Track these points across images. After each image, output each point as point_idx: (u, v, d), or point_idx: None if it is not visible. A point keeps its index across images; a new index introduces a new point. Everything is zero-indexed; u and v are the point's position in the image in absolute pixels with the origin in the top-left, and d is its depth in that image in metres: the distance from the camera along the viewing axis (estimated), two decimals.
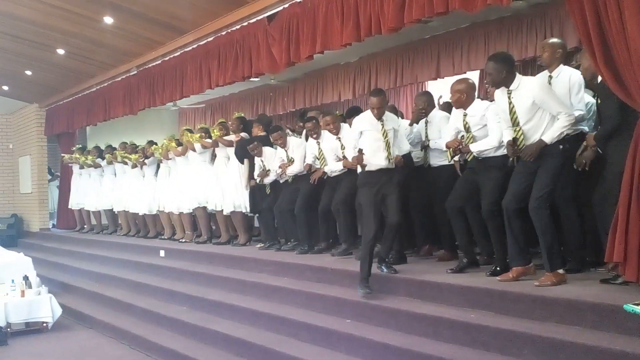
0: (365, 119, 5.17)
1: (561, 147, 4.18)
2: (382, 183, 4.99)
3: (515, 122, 4.32)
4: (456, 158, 5.31)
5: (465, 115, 4.92)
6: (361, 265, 4.80)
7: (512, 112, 4.33)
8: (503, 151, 4.68)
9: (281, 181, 7.02)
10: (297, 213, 6.55)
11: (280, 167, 6.85)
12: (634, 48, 3.54)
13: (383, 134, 5.05)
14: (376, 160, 5.00)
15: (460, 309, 4.20)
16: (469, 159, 4.99)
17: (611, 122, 4.07)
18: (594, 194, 4.28)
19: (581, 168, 4.43)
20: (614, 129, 4.05)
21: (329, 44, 5.95)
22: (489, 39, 7.29)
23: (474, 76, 7.06)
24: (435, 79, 8.13)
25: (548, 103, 4.20)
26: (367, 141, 5.07)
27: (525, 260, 4.35)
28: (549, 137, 4.15)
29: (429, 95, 6.04)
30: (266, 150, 7.12)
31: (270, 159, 7.05)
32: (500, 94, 4.44)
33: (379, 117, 5.08)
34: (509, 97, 4.34)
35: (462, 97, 4.90)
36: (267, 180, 7.07)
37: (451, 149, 4.97)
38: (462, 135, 4.97)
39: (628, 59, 3.59)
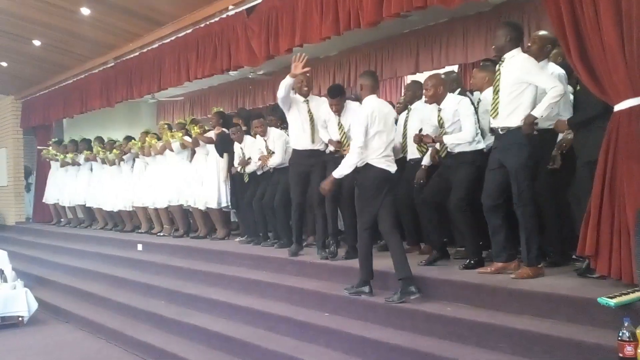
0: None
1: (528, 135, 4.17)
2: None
3: (496, 91, 4.31)
4: (427, 158, 5.37)
5: (439, 110, 4.95)
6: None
7: (497, 80, 4.31)
8: (475, 146, 4.75)
9: (259, 173, 6.95)
10: (276, 207, 6.50)
11: (260, 159, 6.79)
12: (608, 43, 3.59)
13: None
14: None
15: (437, 302, 4.23)
16: (442, 155, 5.02)
17: (591, 111, 4.03)
18: (570, 187, 4.32)
19: (553, 164, 4.48)
20: (593, 117, 4.03)
21: (308, 38, 5.95)
22: (467, 34, 7.34)
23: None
24: (415, 73, 8.16)
25: (536, 76, 4.15)
26: None
27: (506, 256, 4.36)
28: (539, 110, 4.10)
29: (416, 84, 5.96)
30: (247, 138, 7.09)
31: (250, 148, 7.00)
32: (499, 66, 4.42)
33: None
34: (500, 66, 4.32)
35: (438, 91, 4.91)
36: (248, 169, 7.01)
37: (421, 144, 5.13)
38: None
39: (602, 54, 3.64)
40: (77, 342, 6.07)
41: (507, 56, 4.28)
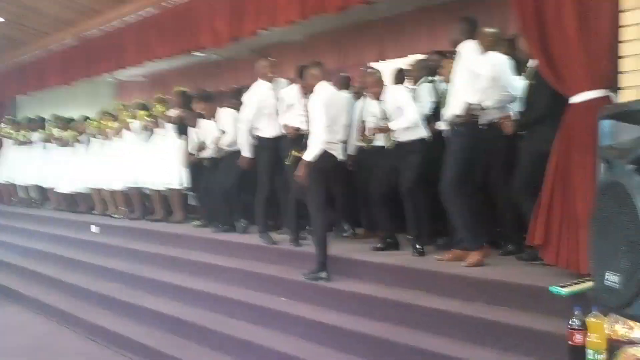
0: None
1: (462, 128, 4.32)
2: None
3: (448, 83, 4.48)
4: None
5: (380, 102, 5.05)
6: None
7: (451, 71, 4.47)
8: (420, 135, 4.86)
9: (216, 156, 6.76)
10: (229, 192, 6.39)
11: (213, 142, 6.65)
12: (569, 35, 3.63)
13: None
14: None
15: (392, 288, 4.24)
16: (387, 146, 5.08)
17: (539, 111, 4.16)
18: (514, 180, 4.37)
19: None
20: (541, 117, 4.14)
21: (273, 21, 5.90)
22: (433, 24, 7.34)
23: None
24: (378, 60, 8.15)
25: (471, 61, 4.30)
26: None
27: (465, 244, 4.42)
28: (472, 97, 4.26)
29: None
30: (202, 122, 6.95)
31: (206, 132, 6.86)
32: None
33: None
34: (455, 55, 4.46)
35: (377, 88, 5.03)
36: (205, 154, 6.90)
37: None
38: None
39: (563, 45, 3.67)
40: (28, 324, 5.93)
41: (459, 47, 4.41)
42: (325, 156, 4.72)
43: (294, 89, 5.68)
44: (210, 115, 6.70)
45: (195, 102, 7.17)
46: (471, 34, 4.40)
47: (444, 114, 4.72)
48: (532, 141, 4.24)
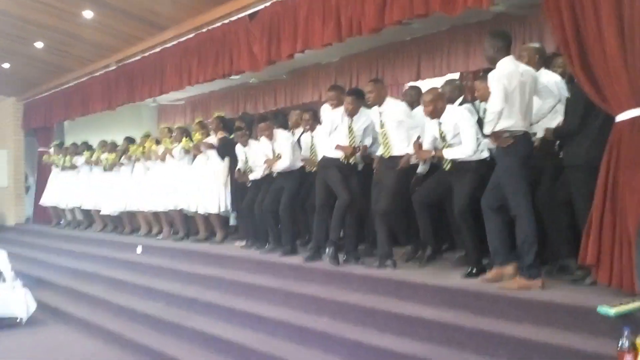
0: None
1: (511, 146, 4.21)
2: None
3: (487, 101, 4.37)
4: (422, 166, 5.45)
5: (440, 124, 4.94)
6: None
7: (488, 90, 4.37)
8: (479, 156, 4.78)
9: (258, 176, 6.82)
10: (281, 213, 6.38)
11: (265, 162, 6.62)
12: (610, 53, 3.61)
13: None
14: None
15: (437, 309, 4.23)
16: (446, 168, 4.99)
17: (570, 125, 4.15)
18: (545, 194, 4.35)
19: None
20: (571, 132, 4.14)
21: (309, 43, 5.98)
22: (469, 43, 7.34)
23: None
24: (416, 80, 8.17)
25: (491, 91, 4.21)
26: None
27: (501, 261, 4.37)
28: (486, 129, 4.24)
29: (414, 89, 6.15)
30: (251, 142, 7.00)
31: (255, 151, 6.89)
32: None
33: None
34: (489, 76, 4.34)
35: (437, 106, 4.90)
36: (251, 176, 6.94)
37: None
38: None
39: (604, 64, 3.66)
40: (75, 343, 6.06)
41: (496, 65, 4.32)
42: None
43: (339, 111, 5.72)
44: (269, 136, 6.65)
45: (238, 124, 7.28)
46: (507, 50, 4.30)
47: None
48: (568, 154, 4.25)
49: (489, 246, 4.46)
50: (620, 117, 3.65)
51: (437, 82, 7.04)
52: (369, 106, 5.54)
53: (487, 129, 4.23)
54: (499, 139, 4.20)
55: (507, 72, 4.17)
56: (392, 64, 8.38)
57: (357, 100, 5.57)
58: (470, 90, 5.93)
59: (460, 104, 5.39)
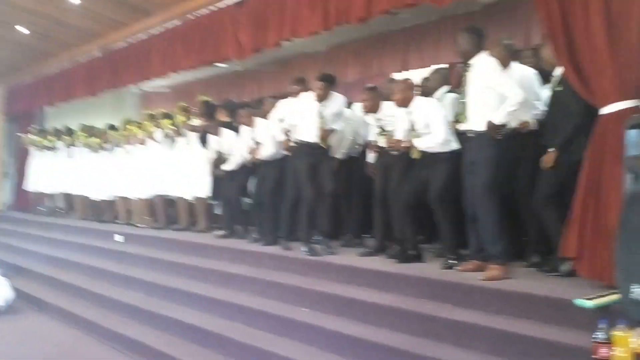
0: None
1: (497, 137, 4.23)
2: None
3: (462, 96, 4.40)
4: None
5: (409, 113, 4.99)
6: None
7: (463, 85, 4.39)
8: (450, 147, 4.79)
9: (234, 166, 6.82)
10: (265, 202, 6.37)
11: (250, 153, 6.59)
12: (598, 46, 3.60)
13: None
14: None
15: (415, 300, 4.21)
16: (413, 156, 5.02)
17: (572, 127, 4.09)
18: (536, 189, 4.33)
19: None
20: (574, 133, 4.08)
21: (296, 32, 5.94)
22: (457, 34, 7.29)
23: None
24: (402, 71, 8.14)
25: (497, 81, 4.20)
26: None
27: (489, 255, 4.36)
28: (498, 117, 4.18)
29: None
30: (225, 133, 6.95)
31: (229, 143, 6.87)
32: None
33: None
34: (467, 70, 4.37)
35: (407, 95, 4.99)
36: (227, 167, 6.93)
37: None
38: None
39: (591, 56, 3.65)
40: (53, 332, 5.99)
41: (473, 61, 4.33)
42: None
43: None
44: (249, 123, 6.66)
45: (220, 111, 7.23)
46: (479, 45, 4.34)
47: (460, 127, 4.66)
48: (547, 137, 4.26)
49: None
50: (606, 110, 3.64)
51: (425, 72, 7.02)
52: (365, 113, 5.56)
53: (502, 118, 4.17)
54: (494, 129, 4.18)
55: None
56: (380, 54, 8.35)
57: (328, 86, 5.64)
58: (456, 77, 5.90)
59: (448, 92, 5.37)
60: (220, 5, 6.98)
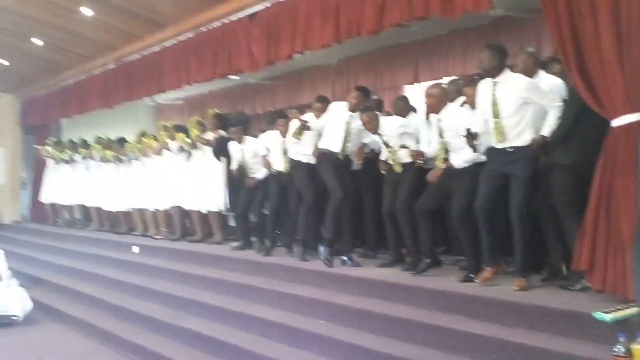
0: None
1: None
2: None
3: (496, 114, 4.34)
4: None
5: (439, 120, 4.92)
6: None
7: (494, 104, 4.34)
8: (478, 159, 4.70)
9: (260, 177, 6.81)
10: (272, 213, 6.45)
11: (264, 165, 6.66)
12: (608, 59, 3.61)
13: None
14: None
15: (432, 312, 4.23)
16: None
17: (562, 129, 4.15)
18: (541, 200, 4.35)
19: None
20: (562, 135, 4.14)
21: (308, 44, 5.99)
22: (467, 46, 7.36)
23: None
24: (413, 83, 8.18)
25: (537, 95, 4.25)
26: None
27: (496, 260, 4.43)
28: (547, 130, 4.21)
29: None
30: (248, 139, 6.98)
31: (250, 149, 6.87)
32: (484, 84, 4.47)
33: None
34: (494, 89, 4.36)
35: (434, 102, 4.91)
36: (258, 175, 6.84)
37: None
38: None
39: (601, 69, 3.66)
40: (70, 342, 6.05)
41: (500, 80, 4.32)
42: None
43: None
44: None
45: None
46: (503, 63, 4.35)
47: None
48: (556, 152, 4.25)
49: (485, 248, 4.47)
50: (616, 122, 3.65)
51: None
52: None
53: (549, 131, 4.22)
54: (541, 145, 4.23)
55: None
56: (391, 66, 8.39)
57: (362, 97, 5.70)
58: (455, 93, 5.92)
59: (462, 104, 5.37)
60: (233, 18, 7.05)
